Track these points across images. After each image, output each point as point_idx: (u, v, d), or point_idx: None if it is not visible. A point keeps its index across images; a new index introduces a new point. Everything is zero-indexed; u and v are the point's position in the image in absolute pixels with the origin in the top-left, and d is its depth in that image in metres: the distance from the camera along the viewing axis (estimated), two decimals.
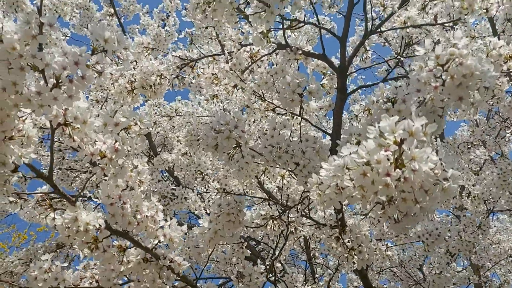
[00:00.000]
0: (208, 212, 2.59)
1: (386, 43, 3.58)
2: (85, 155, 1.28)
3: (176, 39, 3.02)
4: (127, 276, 1.65)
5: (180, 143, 2.99)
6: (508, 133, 3.78)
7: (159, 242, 1.56)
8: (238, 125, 1.30)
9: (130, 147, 1.28)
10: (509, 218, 4.60)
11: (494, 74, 0.97)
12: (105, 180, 1.38)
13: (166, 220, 1.56)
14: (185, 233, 1.70)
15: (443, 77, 0.98)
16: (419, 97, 1.17)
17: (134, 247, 1.59)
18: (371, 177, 0.93)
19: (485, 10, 1.62)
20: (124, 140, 1.27)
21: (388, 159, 0.90)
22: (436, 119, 1.14)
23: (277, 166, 1.58)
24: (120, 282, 1.65)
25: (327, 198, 1.12)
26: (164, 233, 1.54)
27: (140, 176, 1.47)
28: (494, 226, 5.13)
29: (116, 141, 1.28)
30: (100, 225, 1.39)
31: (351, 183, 0.99)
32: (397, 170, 0.90)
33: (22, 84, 1.13)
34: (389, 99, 1.23)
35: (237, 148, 1.39)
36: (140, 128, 1.25)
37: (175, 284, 1.74)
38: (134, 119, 1.25)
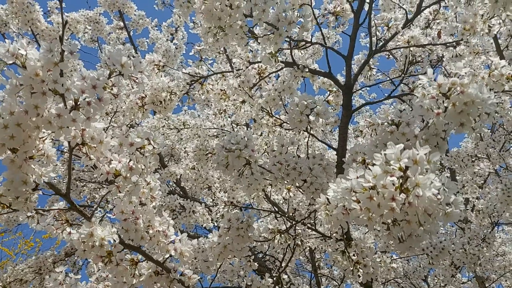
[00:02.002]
0: (216, 224, 2.63)
1: (391, 56, 3.63)
2: (101, 174, 1.33)
3: (184, 51, 3.09)
4: None
5: (187, 155, 3.05)
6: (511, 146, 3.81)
7: (170, 256, 1.61)
8: (248, 145, 1.35)
9: (144, 165, 1.33)
10: None
11: (494, 101, 1.01)
12: (119, 196, 1.43)
13: (176, 234, 1.62)
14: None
15: (445, 104, 1.03)
16: (422, 121, 1.22)
17: (145, 261, 1.64)
18: (377, 201, 0.98)
19: (487, 32, 1.67)
20: (138, 159, 1.32)
21: (394, 184, 0.95)
22: (439, 142, 1.19)
23: (286, 182, 1.62)
24: None
25: (334, 218, 1.17)
26: (175, 247, 1.59)
27: (153, 192, 1.53)
28: (499, 237, 5.12)
29: (130, 160, 1.33)
30: (114, 240, 1.44)
31: (358, 206, 1.04)
32: (402, 194, 0.95)
33: (43, 107, 1.19)
34: (393, 121, 1.27)
35: (246, 165, 1.45)
36: (154, 147, 1.31)
37: None
38: (148, 139, 1.30)
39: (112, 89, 1.29)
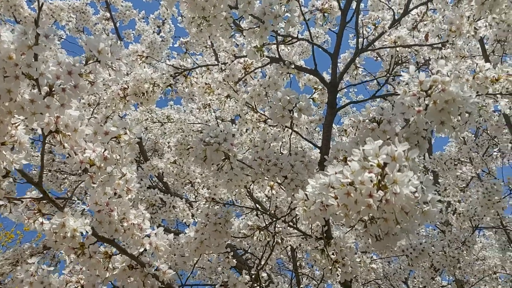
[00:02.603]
0: (196, 220, 2.59)
1: (379, 58, 3.64)
2: (75, 163, 1.29)
3: (171, 45, 3.05)
4: (112, 282, 1.67)
5: (171, 149, 3.01)
6: (495, 151, 3.84)
7: (145, 250, 1.58)
8: (227, 139, 1.32)
9: (119, 155, 1.30)
10: (494, 235, 4.65)
11: (475, 100, 1.00)
12: (94, 187, 1.39)
13: (152, 228, 1.58)
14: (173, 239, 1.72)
15: (426, 102, 1.01)
16: (403, 119, 1.20)
17: (119, 254, 1.60)
18: (354, 197, 0.96)
19: (473, 34, 1.67)
20: (113, 149, 1.29)
21: (371, 181, 0.93)
22: (420, 140, 1.18)
23: (266, 178, 1.60)
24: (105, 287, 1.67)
25: (312, 214, 1.15)
26: (150, 241, 1.56)
27: (128, 184, 1.49)
28: (480, 242, 5.17)
29: (105, 150, 1.29)
30: (87, 231, 1.40)
31: (335, 202, 1.02)
32: (379, 192, 0.93)
33: (17, 92, 1.15)
34: (375, 119, 1.26)
35: (226, 160, 1.42)
36: (130, 137, 1.27)
37: None
38: (124, 128, 1.26)
39: (89, 76, 1.26)
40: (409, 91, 1.04)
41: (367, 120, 1.27)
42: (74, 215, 1.41)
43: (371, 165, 0.92)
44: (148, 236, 1.58)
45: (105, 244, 1.61)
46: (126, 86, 2.13)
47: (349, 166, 0.96)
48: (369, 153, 0.90)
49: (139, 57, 2.13)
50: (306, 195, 1.14)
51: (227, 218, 1.55)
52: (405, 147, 0.86)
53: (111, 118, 2.57)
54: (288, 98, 1.47)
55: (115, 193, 1.51)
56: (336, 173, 1.02)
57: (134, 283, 1.61)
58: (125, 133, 1.29)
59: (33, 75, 1.12)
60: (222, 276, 1.62)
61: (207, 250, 1.64)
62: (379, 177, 0.93)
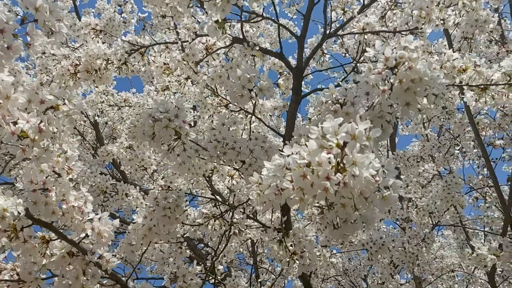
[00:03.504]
0: None
1: (347, 54, 3.60)
2: (5, 134, 1.15)
3: (133, 27, 2.88)
4: (51, 270, 1.53)
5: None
6: (457, 150, 3.89)
7: (87, 235, 1.44)
8: (179, 115, 1.21)
9: (57, 128, 1.16)
10: (453, 234, 4.74)
11: (444, 81, 0.93)
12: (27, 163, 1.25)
13: (96, 213, 1.45)
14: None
15: (392, 80, 0.94)
16: (368, 101, 1.13)
17: (58, 240, 1.46)
18: (311, 180, 0.88)
19: (442, 21, 1.62)
20: (50, 121, 1.15)
21: (330, 163, 0.85)
22: (384, 124, 1.10)
23: (222, 163, 1.50)
24: (44, 276, 1.52)
25: (266, 198, 1.06)
26: (92, 226, 1.43)
27: (69, 163, 1.35)
28: (438, 241, 5.27)
29: (41, 121, 1.15)
30: (19, 212, 1.26)
31: (291, 185, 0.93)
32: (338, 174, 0.85)
33: None
34: (338, 100, 1.18)
35: (178, 139, 1.30)
36: (69, 108, 1.14)
37: (104, 282, 1.61)
38: (63, 98, 1.13)
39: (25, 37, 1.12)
40: (374, 69, 0.97)
41: (330, 101, 1.19)
42: (4, 194, 1.27)
43: (330, 145, 0.83)
44: (91, 220, 1.45)
45: (42, 228, 1.46)
46: (78, 62, 1.97)
47: (307, 146, 0.87)
48: (327, 130, 0.81)
49: (92, 30, 1.97)
50: (261, 178, 1.05)
51: (178, 203, 1.44)
52: (366, 125, 0.77)
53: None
54: (248, 76, 1.37)
55: (54, 172, 1.37)
56: (292, 153, 0.93)
57: (74, 272, 1.48)
58: (64, 104, 1.16)
59: None
60: (171, 266, 1.51)
61: (156, 238, 1.52)
62: (339, 159, 0.85)
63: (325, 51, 2.19)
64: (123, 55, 1.87)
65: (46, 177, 1.33)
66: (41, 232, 1.47)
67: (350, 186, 0.84)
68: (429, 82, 0.92)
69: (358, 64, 2.04)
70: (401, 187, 0.89)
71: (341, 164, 0.86)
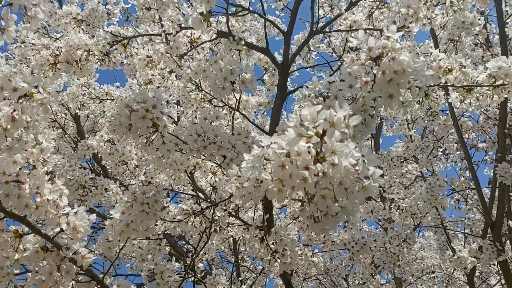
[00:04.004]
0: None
1: (334, 53, 3.60)
2: None
3: (117, 19, 2.83)
4: (24, 265, 1.48)
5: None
6: (440, 152, 3.92)
7: (62, 230, 1.40)
8: (157, 106, 1.17)
9: (31, 117, 1.12)
10: (434, 235, 4.79)
11: (428, 73, 0.92)
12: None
13: (72, 207, 1.40)
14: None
15: (375, 71, 0.92)
16: (351, 95, 1.11)
17: (32, 234, 1.41)
18: (289, 170, 0.85)
19: (429, 21, 1.62)
20: (23, 109, 1.11)
21: (309, 152, 0.82)
22: (367, 118, 1.09)
23: (203, 157, 1.47)
24: (17, 271, 1.47)
25: (245, 191, 1.04)
26: (67, 221, 1.38)
27: (44, 154, 1.30)
28: (419, 242, 5.31)
29: (14, 110, 1.11)
30: None
31: (269, 176, 0.91)
32: (317, 164, 0.83)
33: None
34: (321, 94, 1.16)
35: (156, 132, 1.27)
36: (44, 96, 1.09)
37: (79, 279, 1.57)
38: (37, 86, 1.09)
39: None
40: (356, 60, 0.95)
41: (312, 95, 1.17)
42: None
43: (309, 133, 0.81)
44: (67, 215, 1.40)
45: (15, 221, 1.41)
46: (58, 52, 1.92)
47: (285, 135, 0.85)
48: (306, 118, 0.79)
49: (73, 20, 1.92)
50: (241, 170, 1.02)
51: (157, 198, 1.40)
52: (345, 112, 0.75)
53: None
54: (231, 68, 1.34)
55: (28, 164, 1.32)
56: (271, 143, 0.91)
57: (47, 267, 1.43)
58: (38, 92, 1.12)
59: None
60: (149, 262, 1.47)
61: (134, 234, 1.48)
62: (318, 148, 0.83)
63: (312, 48, 2.18)
64: (104, 46, 1.83)
65: (20, 169, 1.28)
66: (14, 225, 1.42)
67: (329, 176, 0.82)
68: (412, 73, 0.91)
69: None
70: (382, 187, 0.87)
71: (321, 154, 0.84)
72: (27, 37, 2.10)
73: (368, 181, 0.80)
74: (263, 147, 0.92)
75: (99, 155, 2.87)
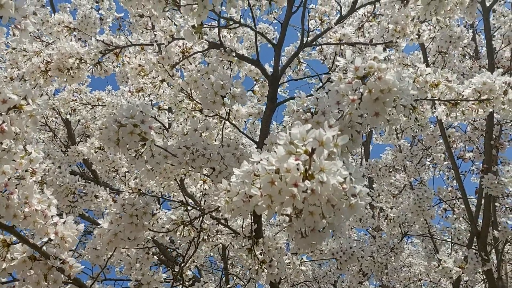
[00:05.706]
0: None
1: (325, 61, 3.63)
2: None
3: (110, 25, 2.83)
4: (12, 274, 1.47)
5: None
6: (428, 161, 3.97)
7: (50, 240, 1.40)
8: (145, 120, 1.18)
9: (20, 129, 1.12)
10: (422, 243, 4.83)
11: (412, 92, 0.95)
12: None
13: (60, 216, 1.41)
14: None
15: (361, 90, 0.95)
16: (338, 110, 1.14)
17: (20, 243, 1.41)
18: (278, 186, 0.87)
19: (416, 36, 1.65)
20: (13, 121, 1.11)
21: (298, 169, 0.84)
22: (354, 134, 1.11)
23: (191, 169, 1.48)
24: (4, 279, 1.47)
25: (234, 206, 1.05)
26: (56, 231, 1.38)
27: (33, 165, 1.31)
28: (408, 249, 5.35)
29: (3, 121, 1.11)
30: None
31: (259, 192, 0.93)
32: (306, 181, 0.85)
33: None
34: (309, 109, 1.18)
35: (145, 146, 1.27)
36: (33, 108, 1.10)
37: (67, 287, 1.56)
38: (26, 97, 1.09)
39: None
40: (344, 78, 0.97)
41: (301, 110, 1.19)
42: None
43: (298, 151, 0.83)
44: (55, 224, 1.40)
45: (4, 230, 1.41)
46: (49, 60, 1.92)
47: (275, 152, 0.87)
48: (295, 136, 0.81)
49: (65, 28, 1.93)
50: (230, 185, 1.04)
51: (145, 210, 1.40)
52: (334, 132, 0.77)
53: None
54: (221, 83, 1.35)
55: (18, 175, 1.32)
56: (261, 160, 0.92)
57: (35, 276, 1.42)
58: (28, 104, 1.12)
59: None
60: (136, 272, 1.47)
61: (122, 244, 1.48)
62: (307, 165, 0.85)
63: (302, 60, 2.20)
64: (96, 55, 1.83)
65: (8, 179, 1.28)
66: (1, 235, 1.42)
67: (317, 193, 0.84)
68: (397, 92, 0.93)
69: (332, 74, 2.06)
70: (370, 196, 0.89)
71: (309, 171, 0.86)
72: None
73: (355, 199, 0.82)
74: (253, 162, 0.93)
75: (91, 162, 2.86)
